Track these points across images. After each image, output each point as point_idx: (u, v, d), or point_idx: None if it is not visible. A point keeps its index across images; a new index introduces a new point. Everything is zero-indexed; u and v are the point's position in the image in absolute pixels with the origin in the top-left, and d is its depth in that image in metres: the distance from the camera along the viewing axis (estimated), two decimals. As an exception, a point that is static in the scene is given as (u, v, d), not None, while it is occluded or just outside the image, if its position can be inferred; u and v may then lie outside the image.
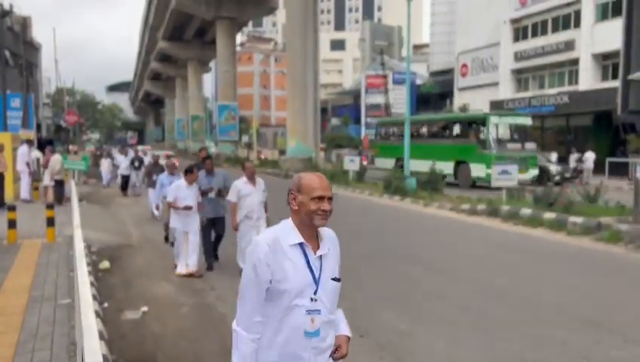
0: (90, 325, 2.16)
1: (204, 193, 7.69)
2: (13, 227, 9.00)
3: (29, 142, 17.26)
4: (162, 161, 20.33)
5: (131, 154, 19.68)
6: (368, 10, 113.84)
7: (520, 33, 33.77)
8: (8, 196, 14.04)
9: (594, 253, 8.93)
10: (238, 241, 7.46)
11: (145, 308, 5.98)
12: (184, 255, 7.39)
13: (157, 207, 10.46)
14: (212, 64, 67.60)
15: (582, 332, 5.15)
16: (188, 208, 7.30)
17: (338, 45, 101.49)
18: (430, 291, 6.63)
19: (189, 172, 7.44)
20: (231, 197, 7.27)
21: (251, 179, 7.23)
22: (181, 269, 7.42)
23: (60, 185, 14.88)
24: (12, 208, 9.19)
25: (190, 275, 7.36)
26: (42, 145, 18.21)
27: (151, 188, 13.12)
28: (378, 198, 17.25)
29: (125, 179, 18.77)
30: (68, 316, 5.24)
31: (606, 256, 8.71)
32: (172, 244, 8.16)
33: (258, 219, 7.26)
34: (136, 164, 18.52)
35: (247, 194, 7.18)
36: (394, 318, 5.59)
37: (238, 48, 61.13)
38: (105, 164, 22.40)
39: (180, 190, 7.38)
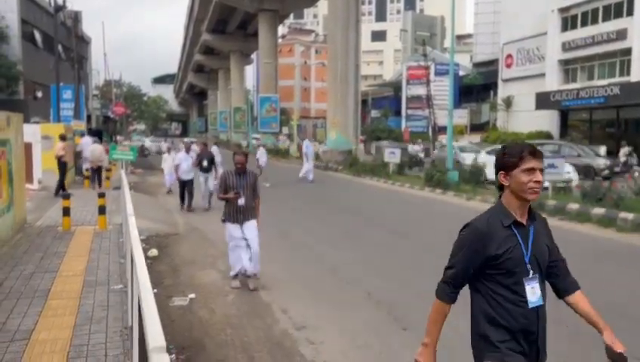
0: (151, 310, 2.26)
1: None
2: (67, 214, 9.37)
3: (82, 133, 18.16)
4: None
5: (194, 149, 14.82)
6: (410, 0, 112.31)
7: (568, 22, 32.63)
8: (66, 183, 14.84)
9: (646, 251, 8.63)
10: None
11: (192, 295, 6.17)
12: None
13: None
14: (254, 56, 68.23)
15: (633, 332, 5.00)
16: None
17: (379, 36, 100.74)
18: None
19: None
20: None
21: None
22: None
23: (98, 171, 16.27)
24: (67, 196, 9.57)
25: None
26: (92, 135, 19.01)
27: (230, 222, 6.50)
28: (419, 191, 17.10)
29: (186, 186, 13.02)
30: (121, 301, 5.47)
31: (659, 254, 8.40)
32: None
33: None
34: (205, 163, 12.86)
35: None
36: (437, 312, 5.56)
37: (279, 40, 61.46)
38: (168, 161, 16.39)
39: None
